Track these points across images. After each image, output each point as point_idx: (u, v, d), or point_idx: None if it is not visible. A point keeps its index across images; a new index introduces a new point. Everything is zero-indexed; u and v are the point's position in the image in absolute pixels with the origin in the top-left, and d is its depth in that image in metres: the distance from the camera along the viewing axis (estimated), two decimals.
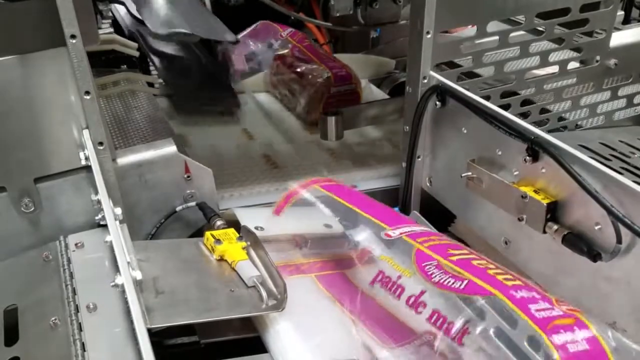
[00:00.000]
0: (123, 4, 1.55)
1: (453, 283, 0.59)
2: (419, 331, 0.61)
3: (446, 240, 0.70)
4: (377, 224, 0.73)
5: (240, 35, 1.43)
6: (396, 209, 0.97)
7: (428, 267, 0.63)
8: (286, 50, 1.36)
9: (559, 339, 0.51)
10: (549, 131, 1.04)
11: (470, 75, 0.98)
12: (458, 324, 0.56)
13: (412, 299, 0.63)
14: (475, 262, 0.62)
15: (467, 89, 0.82)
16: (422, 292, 0.62)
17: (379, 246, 0.71)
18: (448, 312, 0.58)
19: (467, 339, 0.56)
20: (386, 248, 0.70)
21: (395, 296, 0.65)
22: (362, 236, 0.74)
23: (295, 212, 0.89)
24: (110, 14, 1.46)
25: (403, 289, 0.64)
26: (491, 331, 0.54)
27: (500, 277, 0.59)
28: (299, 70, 1.27)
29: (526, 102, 1.01)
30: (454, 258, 0.63)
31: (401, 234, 0.70)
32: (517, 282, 0.58)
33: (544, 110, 1.04)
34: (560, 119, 1.08)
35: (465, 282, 0.59)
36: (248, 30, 1.45)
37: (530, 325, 0.52)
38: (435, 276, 0.61)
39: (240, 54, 1.41)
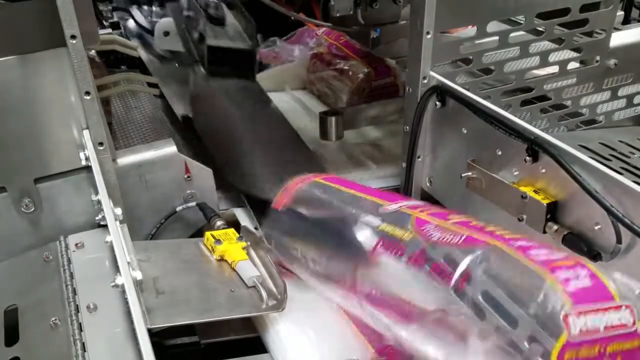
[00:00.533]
0: (128, 11, 1.54)
1: (452, 239, 0.60)
2: (423, 290, 0.61)
3: (447, 210, 0.70)
4: (376, 202, 0.73)
5: (279, 42, 1.46)
6: None
7: (426, 229, 0.64)
8: (322, 48, 1.38)
9: (561, 276, 0.51)
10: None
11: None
12: (458, 271, 0.57)
13: (413, 258, 0.63)
14: (474, 223, 0.63)
15: (467, 89, 0.82)
16: (422, 250, 0.62)
17: (376, 220, 0.70)
18: (448, 263, 0.59)
19: (468, 286, 0.56)
20: (385, 220, 0.70)
21: (397, 257, 0.65)
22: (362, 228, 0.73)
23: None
24: (110, 15, 1.46)
25: (403, 250, 0.65)
26: (492, 273, 0.54)
27: (498, 232, 0.59)
28: (337, 67, 1.28)
29: (526, 102, 1.01)
30: (453, 221, 0.64)
31: (400, 207, 0.70)
32: (517, 236, 0.59)
33: (543, 111, 1.04)
34: (560, 118, 1.08)
35: (464, 236, 0.59)
36: (286, 37, 1.48)
37: (531, 267, 0.52)
38: (434, 236, 0.62)
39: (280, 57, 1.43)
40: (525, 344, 0.50)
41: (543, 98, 1.03)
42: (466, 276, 0.56)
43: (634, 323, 0.49)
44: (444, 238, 0.61)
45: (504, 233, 0.59)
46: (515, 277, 0.54)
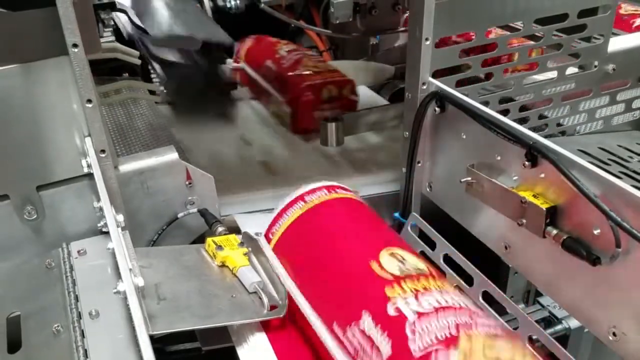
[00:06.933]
0: (125, 12, 1.55)
1: None
2: None
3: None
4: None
5: None
6: (396, 214, 0.97)
7: None
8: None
9: None
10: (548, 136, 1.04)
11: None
12: None
13: None
14: None
15: (466, 95, 0.82)
16: None
17: None
18: None
19: None
20: None
21: None
22: None
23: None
24: (112, 22, 1.47)
25: None
26: None
27: None
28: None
29: (525, 107, 1.02)
30: None
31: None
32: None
33: (542, 116, 1.05)
34: (559, 124, 1.08)
35: None
36: None
37: None
38: None
39: None
40: None
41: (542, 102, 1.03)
42: None
43: None
44: None
45: None
46: None
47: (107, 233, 0.68)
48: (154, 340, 0.54)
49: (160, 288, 0.69)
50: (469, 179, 0.79)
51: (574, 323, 0.98)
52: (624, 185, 0.60)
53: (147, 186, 0.84)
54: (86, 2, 0.74)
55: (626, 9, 1.41)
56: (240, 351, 0.67)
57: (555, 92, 1.03)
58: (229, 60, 1.38)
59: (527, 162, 0.70)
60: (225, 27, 1.37)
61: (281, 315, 0.68)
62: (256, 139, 1.24)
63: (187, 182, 0.87)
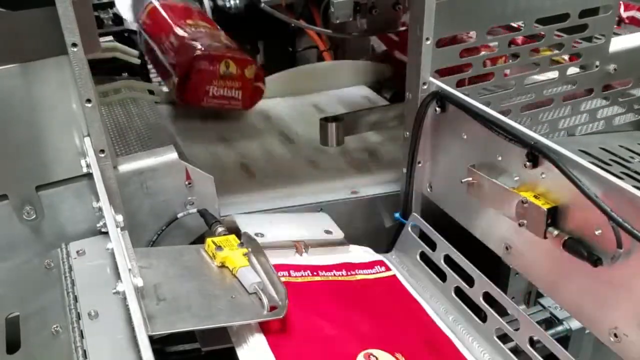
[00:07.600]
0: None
1: None
2: None
3: None
4: None
5: None
6: (397, 214, 0.97)
7: None
8: None
9: None
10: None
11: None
12: None
13: None
14: None
15: (467, 95, 0.82)
16: None
17: None
18: None
19: None
20: None
21: None
22: None
23: (295, 218, 0.90)
24: (111, 23, 1.47)
25: None
26: None
27: None
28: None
29: (526, 107, 1.02)
30: None
31: None
32: None
33: (543, 116, 1.05)
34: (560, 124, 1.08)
35: None
36: None
37: None
38: None
39: None
40: None
41: (543, 103, 1.03)
42: None
43: None
44: None
45: None
46: None
47: (107, 233, 0.68)
48: (154, 340, 0.54)
49: (159, 288, 0.69)
50: (470, 179, 0.79)
51: (575, 324, 0.98)
52: (626, 185, 0.60)
53: (147, 186, 0.84)
54: (85, 2, 0.74)
55: None
56: (240, 352, 0.67)
57: (557, 92, 1.02)
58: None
59: (528, 163, 0.70)
60: (225, 27, 1.37)
61: (281, 316, 0.68)
62: (257, 138, 1.24)
63: (186, 182, 0.86)
